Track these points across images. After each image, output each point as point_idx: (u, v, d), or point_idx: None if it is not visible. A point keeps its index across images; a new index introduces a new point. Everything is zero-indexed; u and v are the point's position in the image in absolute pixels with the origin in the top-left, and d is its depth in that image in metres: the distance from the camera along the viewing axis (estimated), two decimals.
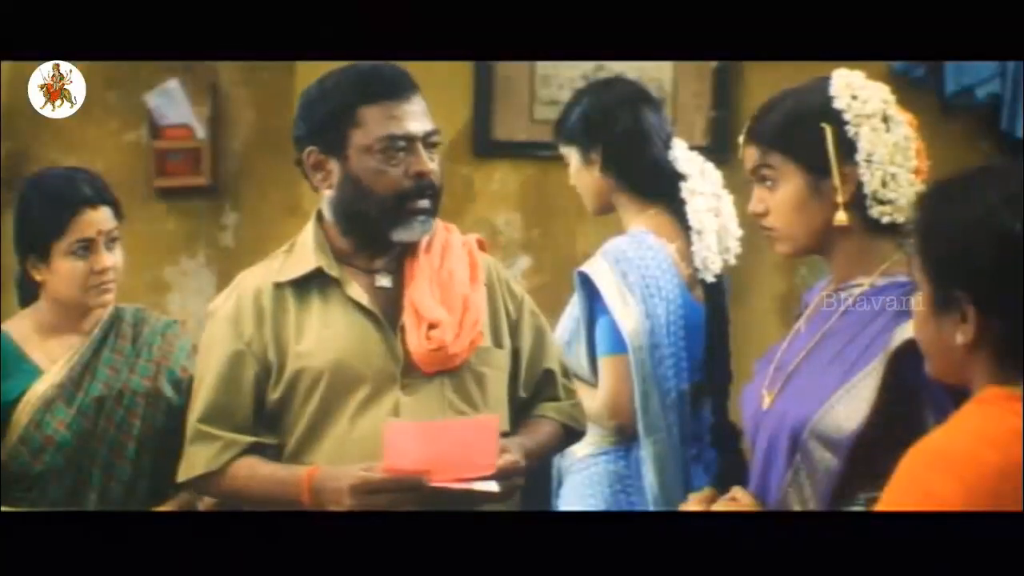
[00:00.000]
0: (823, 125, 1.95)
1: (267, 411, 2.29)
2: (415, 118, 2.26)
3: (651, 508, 2.73)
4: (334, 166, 2.28)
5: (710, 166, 2.86)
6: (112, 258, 2.50)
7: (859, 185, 1.95)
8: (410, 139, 2.25)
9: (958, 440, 1.48)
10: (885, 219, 1.95)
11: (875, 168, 1.94)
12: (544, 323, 2.51)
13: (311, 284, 2.30)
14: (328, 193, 2.31)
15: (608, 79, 3.23)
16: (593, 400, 2.76)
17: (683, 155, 2.84)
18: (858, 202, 1.96)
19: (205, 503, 2.58)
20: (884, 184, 1.94)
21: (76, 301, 2.51)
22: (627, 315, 2.72)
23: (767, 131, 2.00)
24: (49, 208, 2.47)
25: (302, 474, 2.20)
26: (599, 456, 2.82)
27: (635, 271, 2.74)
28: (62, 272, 2.48)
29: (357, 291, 2.29)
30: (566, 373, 2.53)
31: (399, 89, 2.27)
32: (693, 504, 2.02)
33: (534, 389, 2.46)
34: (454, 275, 2.34)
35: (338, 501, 2.15)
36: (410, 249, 2.35)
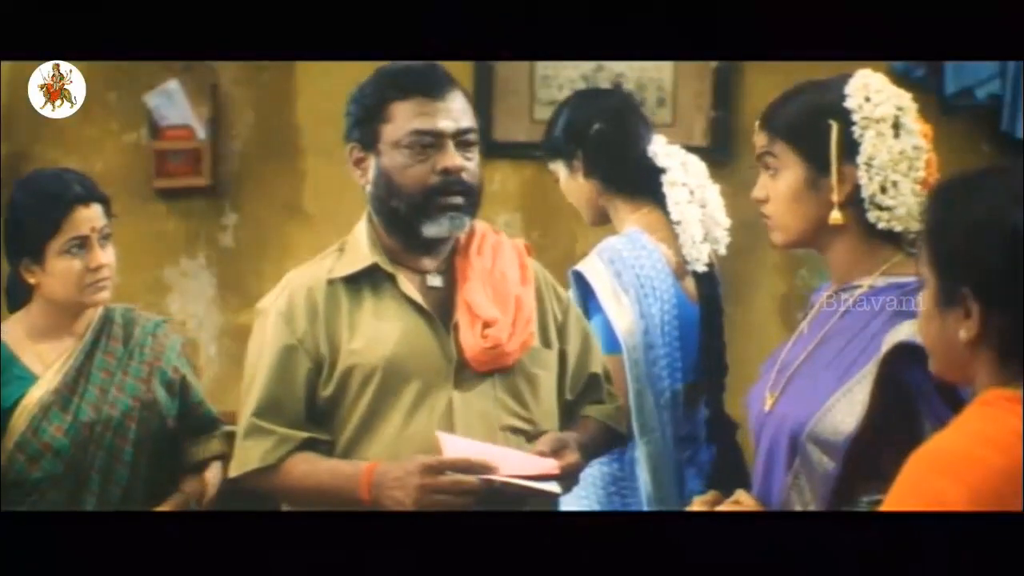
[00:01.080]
0: (830, 121, 1.94)
1: (318, 407, 2.28)
2: (447, 115, 2.27)
3: (645, 509, 2.72)
4: (371, 161, 2.30)
5: (693, 158, 2.86)
6: (106, 255, 2.50)
7: (858, 187, 1.94)
8: (438, 135, 2.26)
9: (961, 443, 1.48)
10: (881, 225, 1.94)
11: (874, 173, 1.93)
12: (588, 327, 2.53)
13: (363, 281, 2.30)
14: (367, 188, 2.33)
15: (586, 91, 3.22)
16: None
17: (662, 150, 2.84)
18: (858, 204, 1.95)
19: (204, 503, 2.58)
20: (883, 190, 1.93)
21: (72, 300, 2.50)
22: (621, 315, 2.71)
23: (778, 118, 1.99)
24: (41, 208, 2.47)
25: (362, 468, 2.20)
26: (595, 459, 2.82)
27: (629, 271, 2.74)
28: (58, 272, 2.47)
29: (410, 288, 2.30)
30: (608, 378, 2.54)
31: (432, 86, 2.28)
32: (697, 507, 2.01)
33: (580, 392, 2.47)
34: (506, 276, 2.36)
35: (403, 486, 2.14)
36: (460, 250, 2.37)
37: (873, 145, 1.93)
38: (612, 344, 2.73)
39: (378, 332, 2.26)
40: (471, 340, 2.28)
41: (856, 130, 1.94)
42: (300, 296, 2.29)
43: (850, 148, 1.94)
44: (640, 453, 2.73)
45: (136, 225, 3.74)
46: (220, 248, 4.01)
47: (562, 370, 2.43)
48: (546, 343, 2.40)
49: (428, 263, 2.34)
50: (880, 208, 1.94)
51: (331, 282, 2.30)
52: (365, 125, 2.29)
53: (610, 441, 2.52)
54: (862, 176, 1.93)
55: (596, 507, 2.77)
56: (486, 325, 2.28)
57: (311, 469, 2.24)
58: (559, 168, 2.92)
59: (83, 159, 3.75)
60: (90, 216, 2.49)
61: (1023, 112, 3.72)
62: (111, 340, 2.56)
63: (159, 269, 4.00)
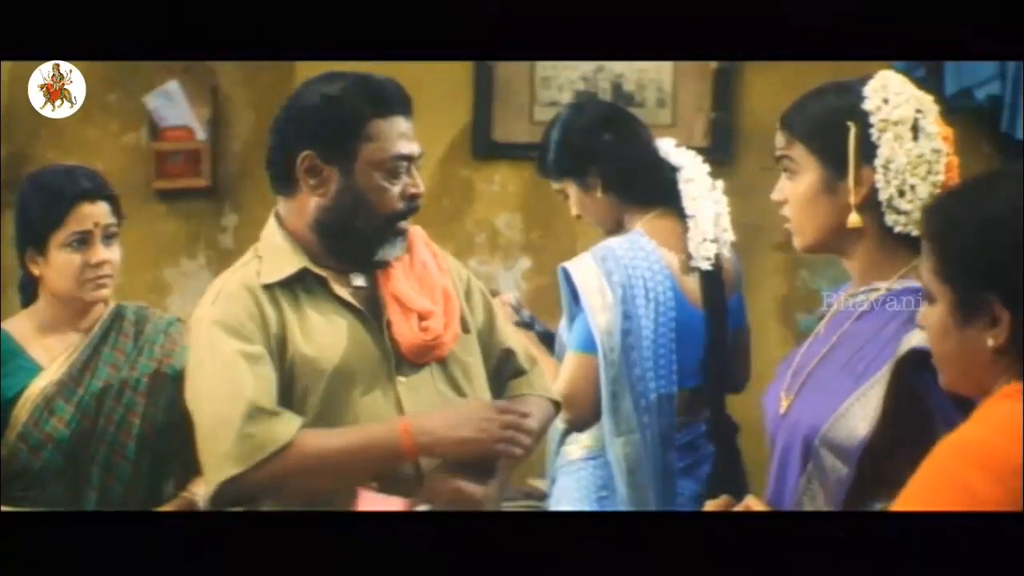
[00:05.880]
0: (848, 123, 1.92)
1: None
2: (413, 138, 2.26)
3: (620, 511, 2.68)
4: (332, 175, 2.24)
5: (699, 159, 2.85)
6: (108, 252, 2.51)
7: (875, 191, 1.92)
8: (412, 159, 2.25)
9: (985, 433, 1.46)
10: (898, 228, 1.92)
11: (892, 176, 1.90)
12: (491, 300, 2.49)
13: (294, 285, 2.26)
14: (317, 200, 2.25)
15: (573, 105, 3.19)
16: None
17: (672, 150, 2.83)
18: (876, 207, 1.93)
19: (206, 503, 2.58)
20: (901, 194, 1.91)
21: (71, 295, 2.51)
22: (603, 314, 2.68)
23: (796, 120, 1.97)
24: (48, 201, 2.49)
25: (393, 422, 2.19)
26: (588, 461, 2.80)
27: (622, 270, 2.70)
28: (57, 264, 2.49)
29: (342, 291, 2.27)
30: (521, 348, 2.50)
31: (404, 105, 2.26)
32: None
33: (496, 369, 2.43)
34: (427, 266, 2.35)
35: (465, 423, 2.19)
36: None
37: (891, 148, 1.90)
38: (588, 343, 2.70)
39: (321, 337, 2.23)
40: (407, 332, 2.26)
41: (874, 132, 1.91)
42: (240, 301, 2.23)
43: (868, 151, 1.91)
44: (614, 453, 2.70)
45: (136, 226, 3.72)
46: (220, 249, 4.01)
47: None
48: (465, 328, 2.37)
49: (349, 264, 2.31)
50: (897, 212, 1.91)
51: (267, 287, 2.24)
52: (338, 140, 2.22)
53: (552, 411, 2.47)
54: (879, 179, 1.91)
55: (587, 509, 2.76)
56: (421, 317, 2.27)
57: (326, 439, 2.16)
58: (569, 186, 2.89)
59: (83, 160, 3.73)
60: (94, 212, 2.50)
61: (1023, 113, 3.72)
62: (121, 336, 2.57)
63: (159, 270, 4.01)
